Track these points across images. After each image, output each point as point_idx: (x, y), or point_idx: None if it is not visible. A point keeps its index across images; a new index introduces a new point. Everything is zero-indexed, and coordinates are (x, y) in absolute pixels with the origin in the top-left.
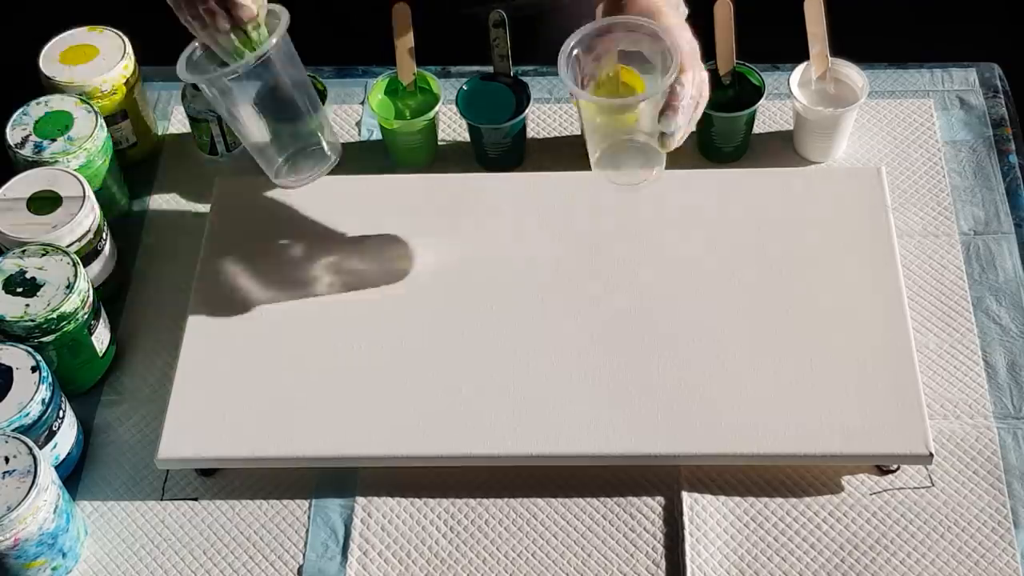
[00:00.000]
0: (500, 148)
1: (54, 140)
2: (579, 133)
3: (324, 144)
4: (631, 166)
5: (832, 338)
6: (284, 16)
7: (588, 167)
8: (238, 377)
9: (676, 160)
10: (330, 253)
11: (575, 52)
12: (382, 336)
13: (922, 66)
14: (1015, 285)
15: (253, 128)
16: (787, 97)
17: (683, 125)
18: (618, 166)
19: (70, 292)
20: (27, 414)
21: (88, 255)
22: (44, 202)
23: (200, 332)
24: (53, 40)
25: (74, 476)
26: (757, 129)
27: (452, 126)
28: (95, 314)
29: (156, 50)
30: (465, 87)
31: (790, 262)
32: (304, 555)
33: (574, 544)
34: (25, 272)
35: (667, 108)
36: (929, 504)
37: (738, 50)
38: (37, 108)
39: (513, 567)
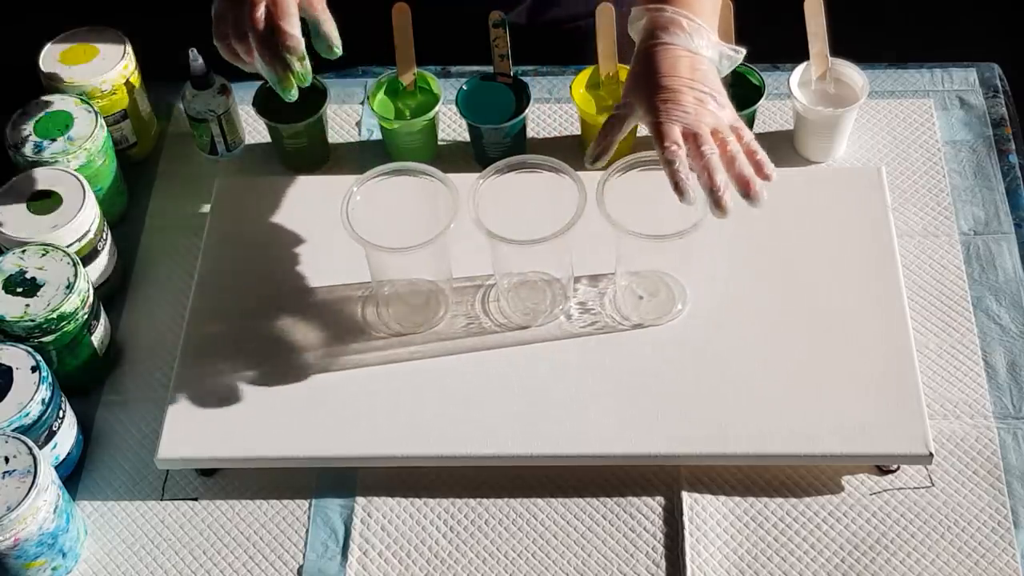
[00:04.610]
0: (500, 148)
1: (54, 140)
2: (578, 133)
3: None
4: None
5: (832, 338)
6: None
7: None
8: (238, 377)
9: None
10: (330, 253)
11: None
12: (382, 335)
13: (922, 66)
14: (1015, 285)
15: None
16: (787, 97)
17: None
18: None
19: (70, 292)
20: (27, 414)
21: (88, 255)
22: (44, 202)
23: (200, 332)
24: (53, 40)
25: (74, 476)
26: (757, 129)
27: (452, 126)
28: (95, 314)
29: (156, 50)
30: (465, 87)
31: (790, 262)
32: (304, 555)
33: (574, 544)
34: (25, 272)
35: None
36: (929, 504)
37: None
38: (37, 108)
39: (513, 567)
